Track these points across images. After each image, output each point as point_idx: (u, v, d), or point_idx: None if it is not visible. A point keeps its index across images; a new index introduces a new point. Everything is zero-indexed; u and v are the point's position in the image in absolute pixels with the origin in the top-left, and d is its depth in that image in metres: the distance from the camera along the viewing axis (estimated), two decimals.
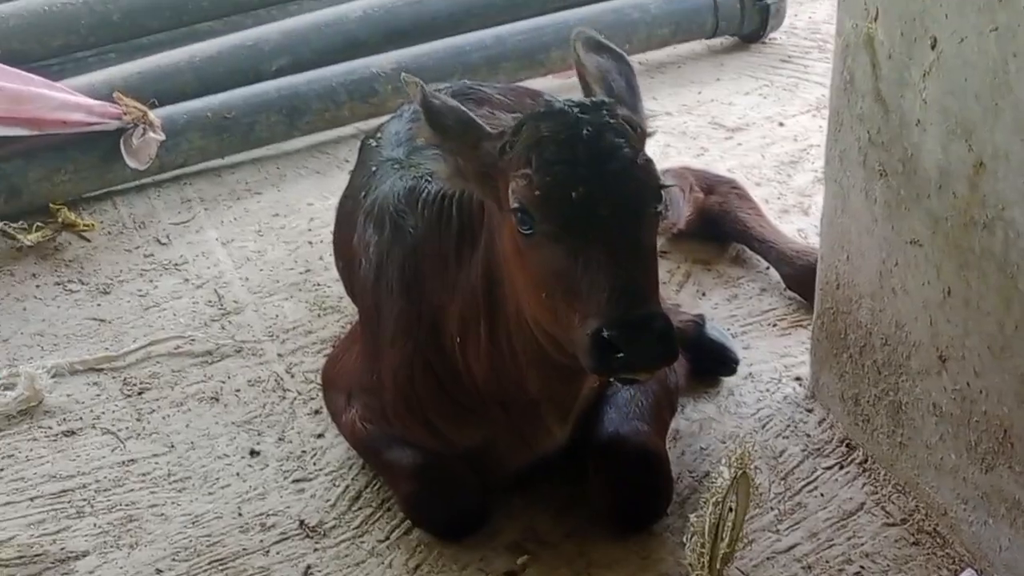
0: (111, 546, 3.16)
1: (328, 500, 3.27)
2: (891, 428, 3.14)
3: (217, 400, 3.66)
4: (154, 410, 3.63)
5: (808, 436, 3.39)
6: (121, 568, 3.10)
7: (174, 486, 3.35)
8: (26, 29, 5.06)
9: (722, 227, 4.12)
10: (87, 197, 4.69)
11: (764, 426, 3.43)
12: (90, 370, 3.79)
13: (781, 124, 5.02)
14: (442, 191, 3.02)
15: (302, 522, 3.20)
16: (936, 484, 3.00)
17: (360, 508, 3.24)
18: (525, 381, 2.92)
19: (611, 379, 2.77)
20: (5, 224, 4.43)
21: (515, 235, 2.66)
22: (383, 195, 3.22)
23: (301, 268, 4.26)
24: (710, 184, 4.21)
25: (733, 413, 3.49)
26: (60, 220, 4.50)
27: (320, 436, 3.48)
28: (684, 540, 2.75)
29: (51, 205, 4.54)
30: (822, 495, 3.20)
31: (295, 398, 3.64)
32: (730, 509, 2.65)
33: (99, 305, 4.12)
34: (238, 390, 3.70)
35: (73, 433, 3.55)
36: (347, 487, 3.30)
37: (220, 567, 3.09)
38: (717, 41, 5.72)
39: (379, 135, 3.62)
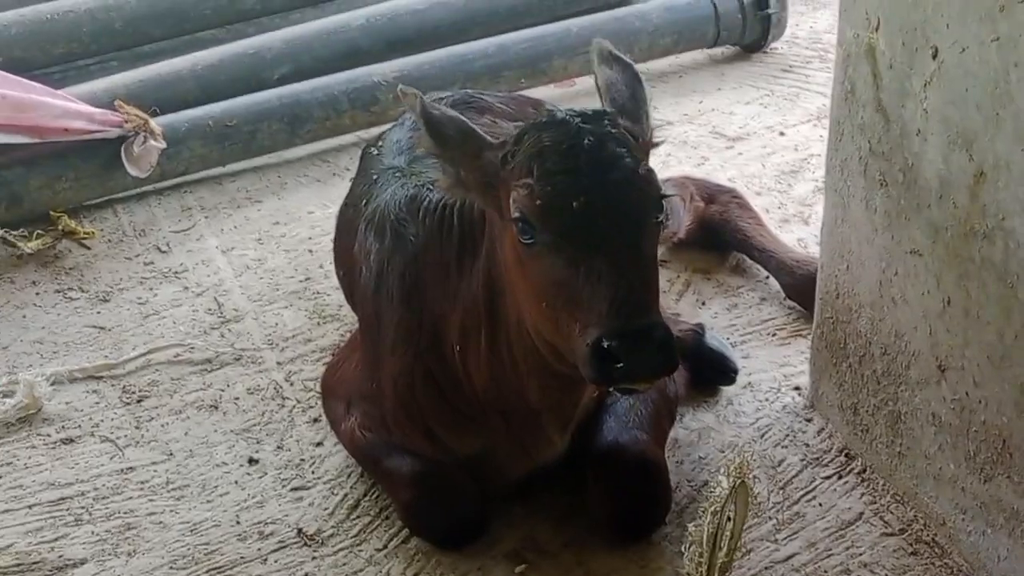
0: (109, 554, 3.16)
1: (326, 508, 3.26)
2: (890, 438, 3.14)
3: (216, 408, 3.66)
4: (153, 418, 3.63)
5: (807, 446, 3.39)
6: None
7: (172, 494, 3.35)
8: (28, 37, 5.09)
9: (722, 236, 4.12)
10: (88, 205, 4.71)
11: (763, 435, 3.43)
12: (89, 378, 3.79)
13: (782, 133, 5.02)
14: (443, 200, 3.02)
15: (300, 530, 3.20)
16: (935, 494, 3.00)
17: (358, 517, 3.24)
18: (525, 390, 2.92)
19: (611, 389, 2.76)
20: (6, 232, 4.43)
21: (516, 244, 2.66)
22: (384, 203, 3.22)
23: (301, 276, 4.26)
24: (711, 193, 4.21)
25: (732, 422, 3.48)
26: (61, 228, 4.50)
27: (319, 444, 3.48)
28: (682, 549, 2.74)
29: (52, 213, 4.55)
30: (821, 505, 3.19)
31: (294, 406, 3.64)
32: (728, 518, 2.65)
33: (99, 313, 4.12)
34: (237, 398, 3.69)
35: (72, 441, 3.55)
36: (345, 495, 3.30)
37: (218, 575, 3.09)
38: (719, 51, 5.74)
39: (380, 143, 3.63)
